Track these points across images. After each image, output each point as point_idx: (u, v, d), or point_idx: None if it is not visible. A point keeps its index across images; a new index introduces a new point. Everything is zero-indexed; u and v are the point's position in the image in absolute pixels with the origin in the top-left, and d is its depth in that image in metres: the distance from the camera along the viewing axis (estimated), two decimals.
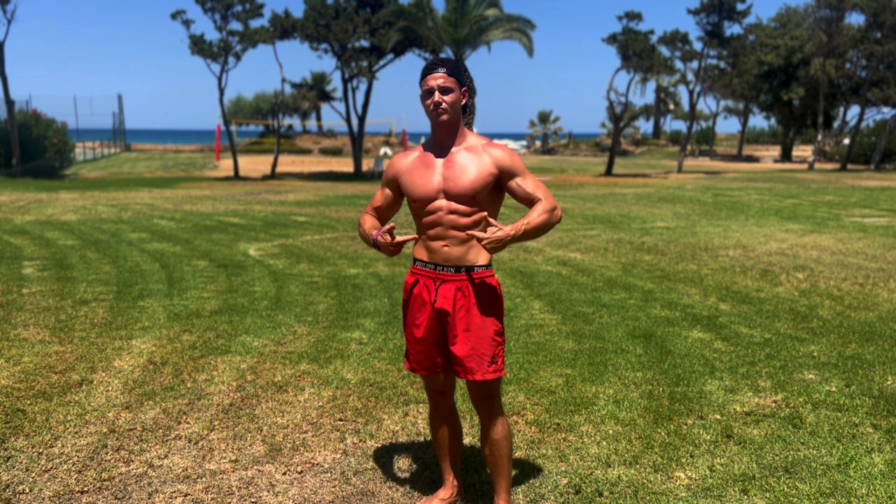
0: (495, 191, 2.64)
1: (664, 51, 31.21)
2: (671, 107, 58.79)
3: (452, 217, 2.58)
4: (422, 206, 2.62)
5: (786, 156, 44.86)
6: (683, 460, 3.24)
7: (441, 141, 2.63)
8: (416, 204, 2.64)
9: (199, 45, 25.20)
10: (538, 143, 60.29)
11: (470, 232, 2.48)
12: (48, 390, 4.02)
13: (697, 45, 32.11)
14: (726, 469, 3.15)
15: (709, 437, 3.48)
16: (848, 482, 3.04)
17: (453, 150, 2.62)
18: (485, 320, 2.60)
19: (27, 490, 2.93)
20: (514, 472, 3.11)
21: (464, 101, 2.61)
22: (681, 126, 66.32)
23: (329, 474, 3.11)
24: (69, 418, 3.64)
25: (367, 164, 30.63)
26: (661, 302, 6.25)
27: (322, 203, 15.75)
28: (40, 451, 3.28)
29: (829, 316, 5.81)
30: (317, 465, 3.19)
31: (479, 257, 2.62)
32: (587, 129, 76.03)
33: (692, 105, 34.59)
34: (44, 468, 3.11)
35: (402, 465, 3.20)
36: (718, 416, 3.74)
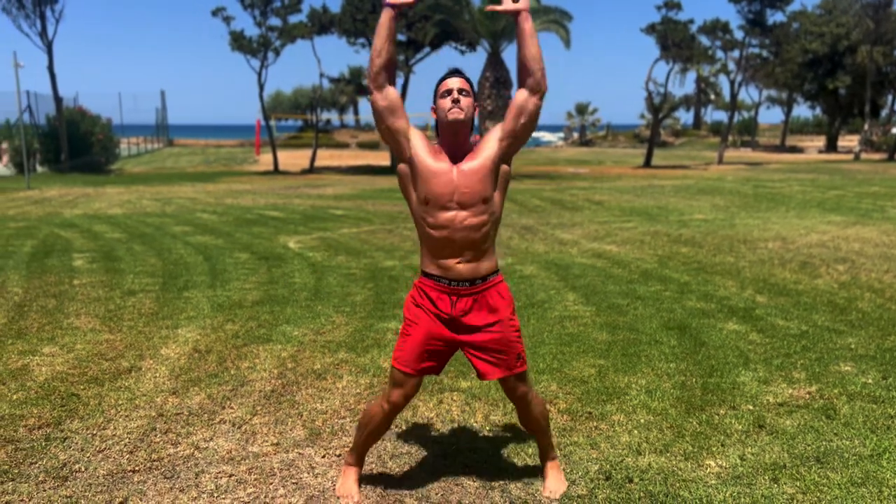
0: (502, 182, 2.72)
1: (704, 40, 30.74)
2: (712, 97, 57.78)
3: (465, 233, 2.64)
4: (433, 214, 2.64)
5: (831, 146, 43.81)
6: (714, 449, 3.27)
7: (451, 147, 2.67)
8: (427, 205, 2.65)
9: (238, 41, 25.61)
10: (576, 135, 59.86)
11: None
12: (100, 376, 4.21)
13: (739, 34, 31.56)
14: (757, 458, 3.18)
15: (741, 426, 3.51)
16: (880, 472, 3.04)
17: (462, 161, 2.66)
18: (507, 323, 2.74)
19: (83, 469, 3.10)
20: None
21: (475, 113, 2.70)
22: (722, 117, 65.23)
23: (367, 457, 3.22)
24: (120, 402, 3.82)
25: None
26: (697, 294, 6.24)
27: (359, 197, 15.94)
28: (94, 432, 3.45)
29: (869, 308, 5.74)
30: None
31: (489, 266, 2.72)
32: (626, 121, 75.20)
33: (733, 95, 34.01)
34: (98, 448, 3.29)
35: (437, 450, 3.29)
36: (751, 407, 3.76)
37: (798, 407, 3.76)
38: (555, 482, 2.96)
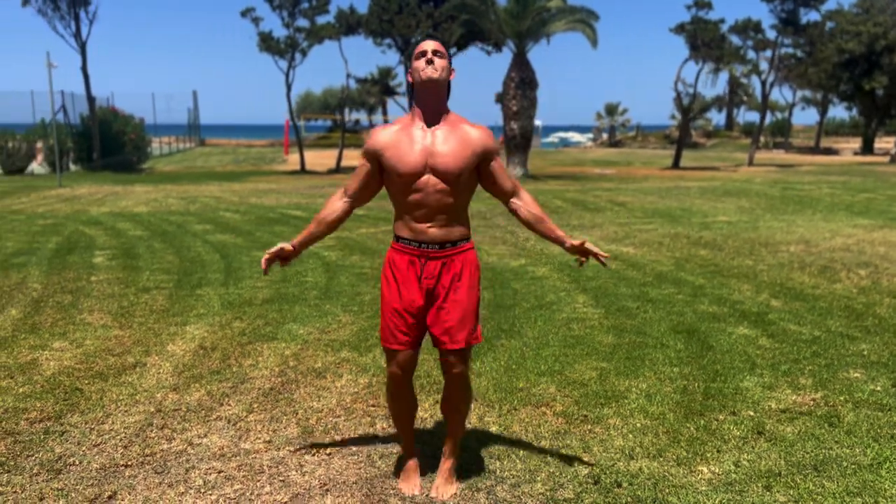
0: (475, 172, 2.78)
1: (735, 40, 30.29)
2: (744, 98, 56.90)
3: (438, 196, 2.68)
4: (407, 184, 2.69)
5: (867, 148, 42.85)
6: (709, 455, 3.22)
7: (425, 110, 2.71)
8: (400, 179, 2.70)
9: (267, 42, 25.85)
10: (605, 136, 59.38)
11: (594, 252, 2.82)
12: (105, 371, 4.28)
13: (771, 34, 31.04)
14: (752, 465, 3.12)
15: (739, 432, 3.45)
16: (878, 482, 2.96)
17: (437, 126, 2.71)
18: (468, 291, 2.76)
19: (77, 462, 3.15)
20: (534, 460, 3.17)
21: (451, 77, 2.76)
22: (756, 118, 64.14)
23: (356, 456, 3.23)
24: (121, 398, 3.87)
25: None
26: (710, 297, 6.15)
27: (381, 196, 15.87)
28: (92, 426, 3.51)
29: (887, 314, 5.60)
30: (345, 447, 3.31)
31: (461, 233, 2.78)
32: (657, 121, 74.32)
33: (765, 96, 33.46)
34: (94, 442, 3.34)
35: (426, 450, 3.28)
36: (752, 413, 3.69)
37: (800, 414, 3.68)
38: (445, 482, 2.92)
